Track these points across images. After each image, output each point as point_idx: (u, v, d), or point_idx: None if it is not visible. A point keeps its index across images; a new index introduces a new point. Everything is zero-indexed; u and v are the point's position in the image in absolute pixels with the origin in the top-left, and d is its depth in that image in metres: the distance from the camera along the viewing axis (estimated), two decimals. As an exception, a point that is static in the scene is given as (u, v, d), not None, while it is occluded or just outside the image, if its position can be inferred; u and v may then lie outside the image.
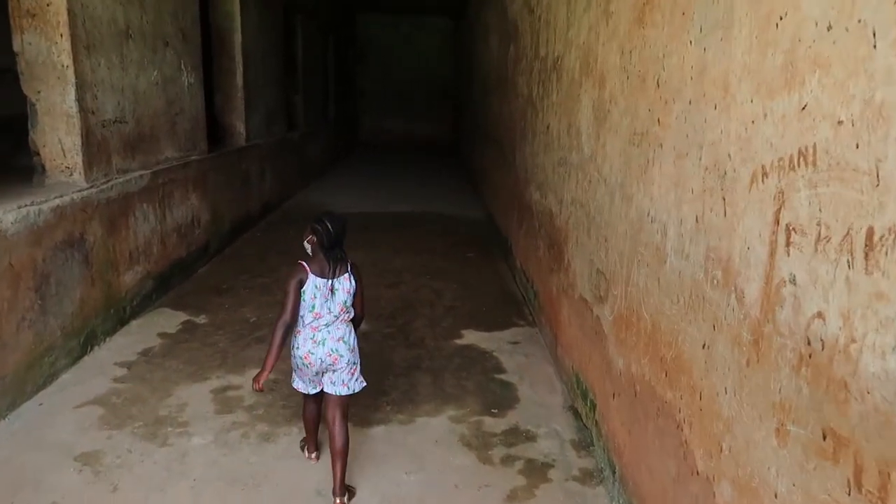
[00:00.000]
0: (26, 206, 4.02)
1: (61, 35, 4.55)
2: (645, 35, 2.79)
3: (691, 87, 2.29)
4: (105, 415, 3.88)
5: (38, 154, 4.75)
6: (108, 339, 4.97)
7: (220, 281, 6.59)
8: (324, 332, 3.01)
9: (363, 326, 5.30)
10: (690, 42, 2.30)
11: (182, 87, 6.62)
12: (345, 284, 3.02)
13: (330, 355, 3.02)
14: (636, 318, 2.82)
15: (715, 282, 2.06)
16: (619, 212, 3.11)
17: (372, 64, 22.26)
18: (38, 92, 4.64)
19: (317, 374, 3.09)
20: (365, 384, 3.22)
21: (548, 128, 4.98)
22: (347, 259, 3.05)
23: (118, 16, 5.24)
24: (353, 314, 3.10)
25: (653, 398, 2.61)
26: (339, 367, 3.06)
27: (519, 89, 6.55)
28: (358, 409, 4.00)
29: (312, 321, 3.00)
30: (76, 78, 4.65)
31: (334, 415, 3.11)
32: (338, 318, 3.03)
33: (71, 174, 4.77)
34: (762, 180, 1.78)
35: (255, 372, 4.02)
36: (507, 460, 3.48)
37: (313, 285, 2.95)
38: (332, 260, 2.98)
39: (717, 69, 2.09)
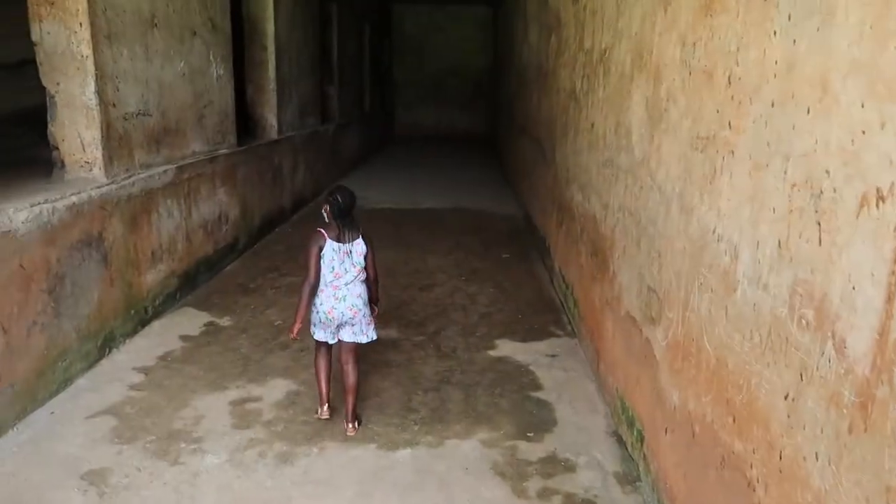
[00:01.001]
0: (39, 204, 3.82)
1: (80, 24, 4.35)
2: (713, 24, 2.42)
3: (775, 86, 1.93)
4: (118, 426, 3.67)
5: (58, 148, 4.57)
6: (127, 341, 4.79)
7: (247, 279, 6.39)
8: (344, 290, 3.49)
9: (393, 333, 5.09)
10: (774, 32, 1.93)
11: (211, 78, 6.40)
12: (358, 247, 3.50)
13: (350, 309, 3.52)
14: (696, 348, 2.47)
15: (804, 323, 1.71)
16: (677, 225, 2.75)
17: (407, 55, 21.96)
18: (58, 84, 4.45)
19: (337, 326, 3.56)
20: (376, 336, 3.72)
21: (592, 125, 4.62)
22: (358, 226, 3.54)
23: (142, 4, 5.02)
24: (366, 275, 3.57)
25: (716, 444, 2.26)
26: (357, 320, 3.57)
27: (560, 83, 6.18)
28: (385, 427, 3.73)
29: (333, 280, 3.46)
30: (96, 69, 4.44)
31: (348, 358, 3.64)
32: (355, 277, 3.49)
33: (90, 169, 4.58)
34: (877, 206, 1.43)
35: (276, 381, 4.08)
36: (544, 494, 3.16)
37: (331, 249, 3.44)
38: (345, 226, 3.47)
39: (812, 65, 1.73)
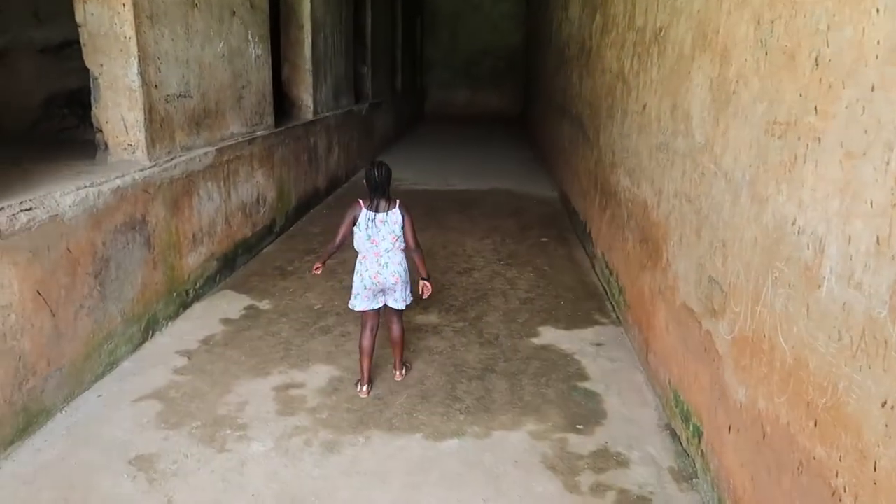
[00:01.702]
0: (85, 187, 3.80)
1: (123, 4, 4.29)
2: (796, 1, 2.26)
3: (875, 69, 1.78)
4: (163, 411, 3.67)
5: (101, 130, 4.55)
6: (170, 324, 4.80)
7: (285, 262, 6.37)
8: (386, 258, 3.73)
9: (434, 318, 5.02)
10: (877, 10, 1.78)
11: (249, 58, 6.34)
12: (392, 217, 3.70)
13: (393, 276, 3.75)
14: (769, 345, 2.35)
15: (909, 327, 1.58)
16: (746, 214, 2.61)
17: (440, 34, 21.73)
18: (101, 65, 4.41)
19: (380, 291, 3.79)
20: (411, 299, 3.93)
21: (644, 107, 4.45)
22: (393, 197, 3.76)
23: (183, -17, 4.95)
24: (405, 245, 3.77)
25: (792, 448, 2.14)
26: (398, 286, 3.79)
27: (606, 63, 5.98)
28: (430, 416, 3.67)
29: (373, 247, 3.71)
30: (139, 50, 4.39)
31: (393, 318, 3.97)
32: (393, 245, 3.72)
33: (133, 151, 4.55)
34: None
35: (318, 367, 4.24)
36: (598, 490, 3.07)
37: (365, 217, 3.68)
38: (377, 197, 3.69)
39: (924, 45, 1.58)
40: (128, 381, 3.99)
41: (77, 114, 5.82)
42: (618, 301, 5.11)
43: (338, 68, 9.91)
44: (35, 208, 3.38)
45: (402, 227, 3.73)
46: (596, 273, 6.16)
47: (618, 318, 5.08)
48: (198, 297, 5.27)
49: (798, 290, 2.15)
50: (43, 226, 3.41)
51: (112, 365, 4.10)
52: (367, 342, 3.86)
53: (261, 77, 6.68)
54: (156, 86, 4.64)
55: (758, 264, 2.48)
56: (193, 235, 5.18)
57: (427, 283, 3.86)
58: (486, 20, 21.61)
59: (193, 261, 5.20)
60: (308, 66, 8.52)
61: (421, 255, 3.86)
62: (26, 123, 5.94)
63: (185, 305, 5.07)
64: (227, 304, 5.27)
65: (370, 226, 3.67)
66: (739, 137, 2.72)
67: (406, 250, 3.80)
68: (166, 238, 4.76)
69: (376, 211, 3.68)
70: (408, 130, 17.57)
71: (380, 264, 3.73)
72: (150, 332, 4.56)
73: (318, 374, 4.15)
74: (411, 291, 3.92)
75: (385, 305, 3.88)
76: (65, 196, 3.62)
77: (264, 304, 5.28)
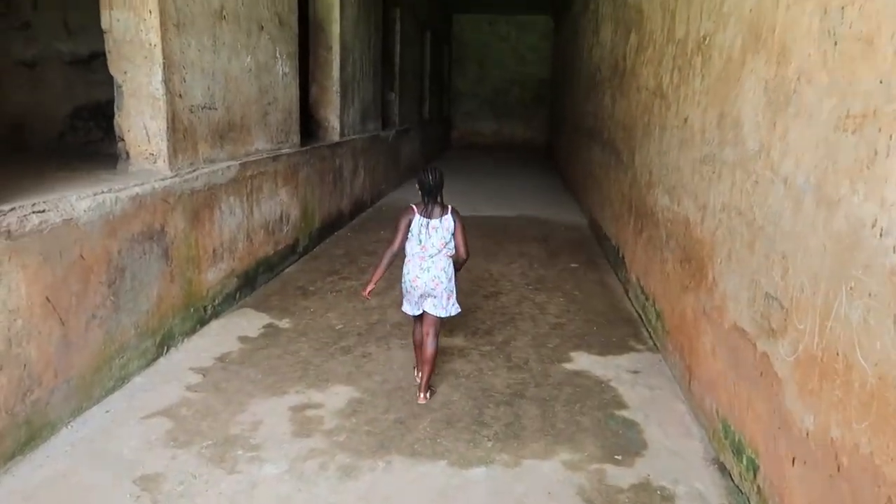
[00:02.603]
0: (102, 193, 3.67)
1: (150, 11, 4.22)
2: (871, -18, 2.04)
3: (981, 40, 1.54)
4: (173, 429, 3.46)
5: (123, 139, 4.45)
6: (185, 341, 4.61)
7: (307, 282, 6.19)
8: (429, 262, 3.69)
9: (459, 341, 4.79)
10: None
11: (276, 75, 6.27)
12: (444, 223, 3.68)
13: (433, 281, 3.69)
14: (844, 365, 2.08)
15: None
16: (812, 221, 2.36)
17: (467, 64, 21.82)
18: (125, 72, 4.33)
19: (421, 296, 3.75)
20: (460, 310, 3.86)
21: (685, 121, 4.23)
22: (445, 204, 3.72)
23: (212, -6, 4.89)
24: (453, 251, 3.73)
25: (876, 481, 1.86)
26: (438, 292, 3.72)
27: (642, 81, 5.79)
28: (455, 442, 3.41)
29: (420, 252, 3.68)
30: (164, 58, 4.31)
31: (427, 330, 3.81)
32: (439, 251, 3.68)
33: (155, 161, 4.44)
34: None
35: (338, 387, 4.12)
36: (640, 527, 2.78)
37: (418, 223, 3.67)
38: (430, 202, 3.68)
39: None
40: (138, 398, 3.79)
41: (102, 127, 5.76)
42: (654, 327, 4.83)
43: (365, 92, 9.86)
44: (48, 211, 3.24)
45: (453, 234, 3.72)
46: (629, 299, 5.89)
47: (655, 344, 4.80)
48: (216, 314, 5.10)
49: (881, 299, 1.89)
50: (55, 229, 3.27)
51: (123, 380, 3.92)
52: (418, 336, 3.92)
53: (288, 95, 6.61)
54: (180, 95, 4.54)
55: (828, 275, 2.23)
56: (213, 250, 5.03)
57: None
58: (512, 51, 21.68)
59: (213, 276, 5.04)
60: (336, 87, 8.47)
61: (464, 262, 3.85)
62: (52, 136, 5.90)
63: (203, 322, 4.90)
64: (246, 322, 5.09)
65: (422, 231, 3.67)
66: (802, 139, 2.48)
67: (454, 257, 3.79)
68: (185, 251, 4.61)
69: (429, 217, 3.69)
70: (434, 158, 17.51)
71: (421, 268, 3.71)
72: (165, 348, 4.38)
73: (337, 395, 3.92)
74: (458, 301, 3.87)
75: (424, 314, 3.82)
76: (80, 200, 3.49)
77: (284, 323, 5.09)
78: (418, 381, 3.91)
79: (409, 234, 3.68)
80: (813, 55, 2.42)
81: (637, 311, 5.52)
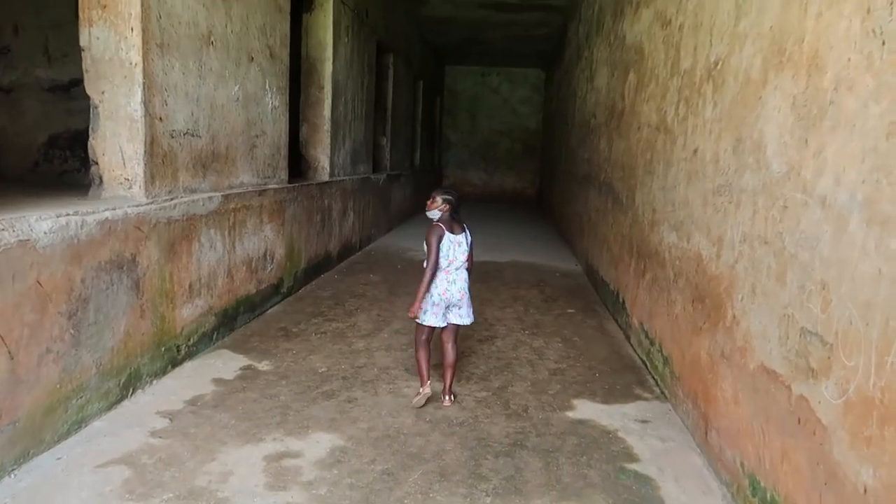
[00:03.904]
0: (67, 215, 3.35)
1: (132, 29, 4.00)
2: (927, -28, 1.83)
3: None
4: (131, 479, 3.06)
5: (97, 163, 4.16)
6: (154, 382, 4.23)
7: (290, 323, 5.83)
8: (454, 275, 4.00)
9: (454, 387, 4.43)
10: None
11: (265, 107, 6.05)
12: (466, 238, 4.07)
13: (460, 292, 4.02)
14: (913, 406, 1.77)
15: None
16: (860, 243, 2.09)
17: (458, 115, 21.92)
18: (102, 92, 4.08)
19: (447, 307, 4.03)
20: (474, 318, 4.21)
21: (695, 152, 4.01)
22: (462, 220, 4.11)
23: (199, 18, 4.70)
24: (468, 264, 4.08)
25: (968, 548, 1.53)
26: (464, 302, 4.07)
27: (643, 118, 5.62)
28: (450, 497, 3.04)
29: (447, 266, 3.97)
30: (145, 78, 4.07)
31: (449, 338, 4.13)
32: (462, 264, 4.02)
33: (130, 187, 4.15)
34: None
35: (319, 435, 3.95)
36: None
37: (448, 239, 3.96)
38: (456, 220, 4.04)
39: None
40: (95, 443, 3.40)
41: (79, 156, 5.49)
42: (662, 373, 4.50)
43: (357, 133, 9.70)
44: (2, 230, 2.92)
45: (470, 247, 4.08)
46: (632, 345, 5.57)
47: (663, 392, 4.46)
48: (190, 355, 4.72)
49: (963, 326, 1.60)
50: (8, 250, 2.94)
51: (80, 423, 3.52)
52: (423, 353, 4.08)
53: (277, 129, 6.38)
54: (160, 119, 4.28)
55: (883, 303, 1.94)
56: (190, 285, 4.69)
57: None
58: (504, 103, 21.83)
59: (188, 313, 4.68)
60: (327, 126, 8.28)
61: (470, 274, 4.15)
62: (27, 165, 5.61)
63: (175, 362, 4.52)
64: (223, 364, 4.71)
65: (452, 247, 3.96)
66: (843, 153, 2.23)
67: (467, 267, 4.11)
68: (158, 284, 4.27)
69: (454, 233, 4.00)
70: (424, 207, 17.35)
71: (448, 281, 3.98)
72: (131, 389, 3.99)
73: (318, 444, 3.54)
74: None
75: (441, 328, 4.08)
76: (41, 221, 3.17)
77: (263, 365, 4.72)
78: (423, 390, 4.05)
79: (440, 250, 3.94)
80: (854, 60, 2.19)
81: (641, 358, 5.20)
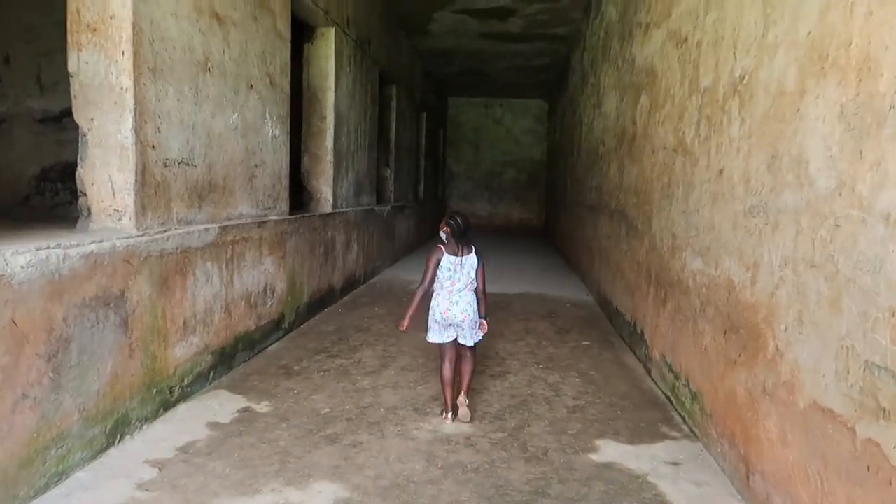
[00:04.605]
0: (48, 248, 3.10)
1: (122, 52, 3.80)
2: None
3: None
4: (112, 540, 2.75)
5: (84, 194, 3.93)
6: (144, 427, 3.93)
7: (291, 361, 5.54)
8: (457, 296, 4.11)
9: (466, 427, 4.11)
10: None
11: (265, 137, 5.85)
12: (470, 261, 4.14)
13: (462, 313, 4.10)
14: None
15: None
16: (939, 263, 1.81)
17: (462, 146, 21.86)
18: (91, 119, 3.86)
19: (449, 325, 4.13)
20: (481, 337, 4.26)
21: (720, 172, 3.76)
22: (472, 243, 4.19)
23: (196, 44, 4.52)
24: (476, 286, 4.18)
25: None
26: (467, 324, 4.12)
27: (657, 141, 5.40)
28: (465, 557, 2.70)
29: (449, 287, 4.10)
30: (136, 103, 3.86)
31: (466, 352, 4.26)
32: (466, 286, 4.12)
33: (120, 218, 3.90)
34: None
35: (321, 484, 3.55)
36: None
37: (448, 261, 4.08)
38: (460, 243, 4.12)
39: None
40: (76, 498, 3.09)
41: (71, 189, 5.27)
42: (690, 410, 4.18)
43: (360, 164, 9.51)
44: (-27, 265, 2.67)
45: (477, 271, 4.16)
46: (653, 379, 5.25)
47: (692, 431, 4.14)
48: (184, 396, 4.43)
49: None
50: (-21, 287, 2.68)
51: (61, 475, 3.22)
52: (447, 373, 4.17)
53: (277, 159, 6.17)
54: (153, 146, 4.06)
55: (977, 332, 1.66)
56: (184, 322, 4.42)
57: (484, 322, 4.25)
58: (507, 134, 21.77)
59: (182, 352, 4.40)
60: (329, 157, 8.08)
61: (486, 298, 4.27)
62: (17, 198, 5.39)
63: (168, 405, 4.23)
64: (219, 406, 4.41)
65: (452, 268, 4.09)
66: (910, 162, 1.97)
67: (476, 291, 4.19)
68: (150, 321, 4.00)
69: (458, 255, 4.10)
70: (429, 238, 17.12)
71: (450, 301, 4.10)
72: (118, 436, 3.70)
73: (321, 495, 3.23)
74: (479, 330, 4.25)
75: (457, 341, 4.19)
76: (17, 255, 2.92)
77: (262, 407, 4.42)
78: (447, 420, 4.17)
79: (440, 270, 4.08)
80: (919, 58, 1.95)
81: (664, 393, 4.88)
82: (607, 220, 8.00)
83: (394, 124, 12.36)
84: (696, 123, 4.27)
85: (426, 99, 16.29)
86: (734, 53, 3.59)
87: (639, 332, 5.85)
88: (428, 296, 4.16)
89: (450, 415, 4.18)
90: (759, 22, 3.24)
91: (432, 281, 4.10)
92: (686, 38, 4.61)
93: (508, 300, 8.74)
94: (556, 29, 12.00)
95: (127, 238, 3.76)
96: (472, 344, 4.20)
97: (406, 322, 4.11)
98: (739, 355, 3.34)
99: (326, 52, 7.93)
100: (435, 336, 4.18)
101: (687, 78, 4.55)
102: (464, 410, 4.20)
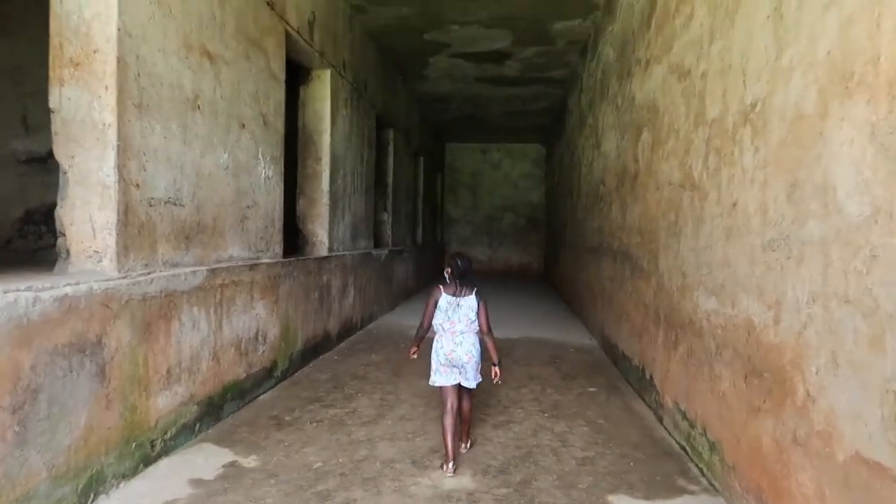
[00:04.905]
0: (16, 291, 2.88)
1: (106, 87, 3.66)
2: None
3: None
4: None
5: (63, 234, 3.73)
6: (121, 485, 3.64)
7: (283, 411, 5.25)
8: (461, 337, 4.06)
9: (468, 482, 3.82)
10: None
11: (258, 177, 5.69)
12: (469, 302, 4.09)
13: (466, 354, 4.06)
14: None
15: None
16: None
17: (460, 191, 21.83)
18: (72, 157, 3.69)
19: (454, 367, 4.06)
20: (480, 379, 4.18)
21: (733, 206, 3.57)
22: (473, 285, 4.15)
23: (185, 81, 4.38)
24: (479, 328, 4.11)
25: None
26: (470, 366, 4.08)
27: (662, 178, 5.23)
28: None
29: (451, 328, 4.06)
30: (119, 139, 3.69)
31: (463, 395, 4.20)
32: (467, 327, 4.07)
33: (100, 260, 3.69)
34: None
35: None
36: None
37: (445, 301, 4.08)
38: (460, 284, 4.10)
39: None
40: (37, 568, 2.79)
41: (55, 232, 5.06)
42: (709, 462, 3.90)
43: (357, 207, 9.35)
44: (-72, 309, 2.44)
45: (477, 312, 4.11)
46: (665, 427, 4.96)
47: (711, 484, 3.84)
48: (166, 450, 4.14)
49: None
50: (-66, 333, 2.45)
51: (22, 542, 2.93)
52: (449, 420, 4.01)
53: (270, 200, 6.00)
54: (137, 185, 3.88)
55: None
56: (168, 370, 4.16)
57: (497, 369, 4.12)
58: (505, 178, 21.77)
59: (165, 403, 4.13)
60: (325, 199, 7.92)
61: (493, 340, 4.15)
62: (0, 242, 5.18)
63: (148, 460, 3.93)
64: (203, 460, 4.12)
65: (450, 308, 4.08)
66: (960, 182, 1.77)
67: (480, 333, 4.14)
68: (130, 370, 3.74)
69: (457, 296, 4.09)
70: (427, 283, 16.89)
71: (455, 343, 4.07)
72: (91, 495, 3.40)
73: (310, 560, 2.93)
74: (480, 372, 4.20)
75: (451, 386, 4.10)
76: (-19, 298, 2.69)
77: (250, 461, 4.12)
78: (447, 472, 3.96)
79: (438, 310, 4.08)
80: (965, 68, 1.77)
81: (679, 442, 4.59)
82: (610, 261, 7.80)
83: (391, 168, 12.27)
84: (704, 156, 4.11)
85: (424, 143, 16.29)
86: (744, 81, 3.45)
87: (648, 377, 5.58)
88: (428, 336, 4.19)
89: (451, 465, 3.97)
90: (771, 46, 3.10)
91: (430, 318, 4.11)
92: (689, 71, 4.48)
93: (510, 345, 8.47)
94: (552, 72, 12.02)
95: (106, 280, 3.54)
96: (473, 386, 4.16)
97: (414, 348, 4.24)
98: (764, 401, 3.08)
99: (322, 93, 7.85)
100: (439, 378, 4.10)
101: (692, 110, 4.41)
102: (463, 449, 4.31)
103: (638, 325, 6.07)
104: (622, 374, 6.79)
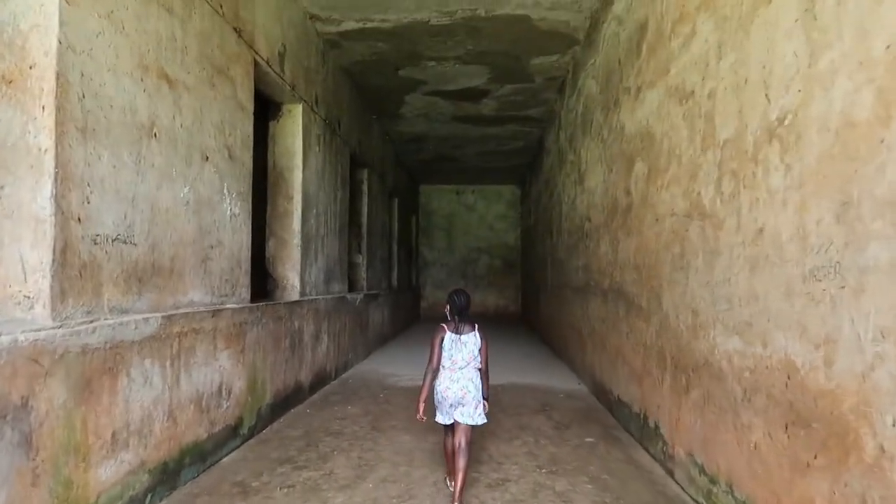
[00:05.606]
0: (-87, 344, 2.33)
1: (43, 107, 3.18)
2: None
3: None
4: None
5: (-12, 277, 3.18)
6: (50, 578, 3.02)
7: (249, 475, 4.65)
8: (458, 374, 4.07)
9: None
10: None
11: (222, 214, 5.19)
12: (471, 339, 4.13)
13: (462, 391, 4.04)
14: None
15: None
16: None
17: (435, 234, 21.48)
18: (2, 188, 3.18)
19: (451, 405, 4.07)
20: (486, 420, 4.12)
21: (759, 232, 3.19)
22: (473, 321, 4.20)
23: (139, 105, 3.92)
24: (479, 364, 4.12)
25: None
26: (467, 401, 4.05)
27: (661, 208, 4.87)
28: None
29: (451, 365, 4.09)
30: (58, 167, 3.19)
31: (460, 440, 4.04)
32: (468, 364, 4.08)
33: (31, 306, 3.15)
34: None
35: None
36: None
37: (450, 339, 4.13)
38: (460, 321, 4.15)
39: None
40: None
41: None
42: (738, 524, 3.42)
43: (330, 249, 8.86)
44: None
45: (479, 349, 4.08)
46: (677, 482, 4.48)
47: (745, 551, 3.36)
48: (109, 531, 3.53)
49: None
50: None
51: None
52: (449, 445, 4.16)
53: (237, 239, 5.49)
54: (79, 219, 3.37)
55: None
56: (114, 434, 3.58)
57: (485, 402, 4.11)
58: (480, 221, 21.50)
59: (109, 473, 3.54)
60: (296, 240, 7.43)
61: (487, 378, 4.17)
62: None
63: (86, 544, 3.32)
64: (153, 541, 3.51)
65: (453, 346, 4.05)
66: None
67: (479, 370, 4.08)
68: (64, 436, 3.16)
69: (459, 333, 4.08)
70: (404, 328, 16.31)
71: (451, 380, 4.03)
72: None
73: None
74: (484, 412, 4.10)
75: (456, 423, 4.05)
76: None
77: (209, 540, 3.53)
78: (451, 488, 4.09)
79: (443, 348, 4.04)
80: None
81: (696, 501, 4.10)
82: (600, 301, 7.38)
83: (365, 209, 11.84)
84: (717, 181, 3.74)
85: (398, 184, 15.94)
86: (766, 95, 3.10)
87: (651, 425, 5.11)
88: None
89: (454, 484, 4.00)
90: (802, 52, 2.75)
91: (439, 357, 4.06)
92: (692, 92, 4.16)
93: (497, 392, 7.93)
94: (529, 110, 11.82)
95: (37, 331, 2.99)
96: (472, 422, 4.03)
97: (421, 408, 4.06)
98: (815, 457, 2.64)
99: (293, 129, 7.44)
100: (439, 417, 4.12)
101: (697, 133, 4.07)
102: None
103: (637, 368, 5.63)
104: (619, 421, 6.31)
